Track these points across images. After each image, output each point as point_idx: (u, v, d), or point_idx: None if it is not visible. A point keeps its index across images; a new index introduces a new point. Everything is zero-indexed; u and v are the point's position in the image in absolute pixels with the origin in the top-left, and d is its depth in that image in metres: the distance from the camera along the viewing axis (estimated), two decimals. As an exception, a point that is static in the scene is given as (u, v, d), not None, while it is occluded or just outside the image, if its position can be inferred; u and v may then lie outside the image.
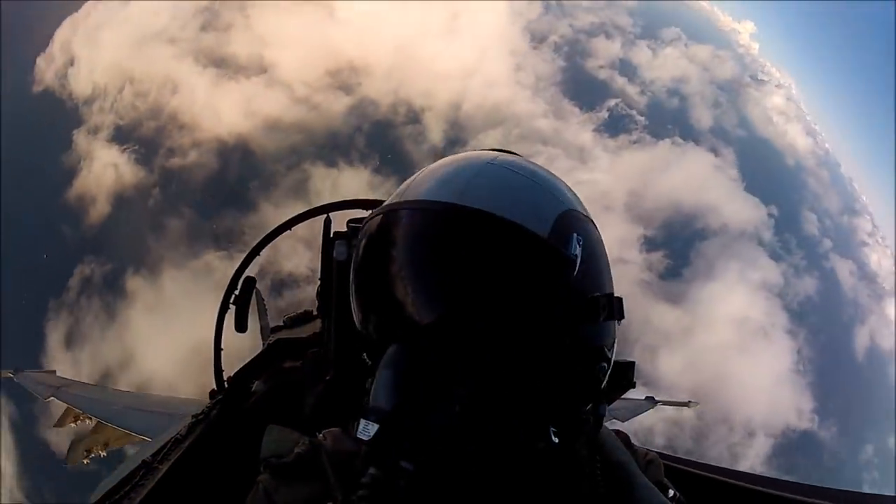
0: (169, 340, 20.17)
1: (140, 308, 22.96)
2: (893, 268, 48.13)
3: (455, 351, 0.82)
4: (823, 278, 39.41)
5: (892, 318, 42.23)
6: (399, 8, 34.67)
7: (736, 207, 36.14)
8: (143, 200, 25.96)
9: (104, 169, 26.21)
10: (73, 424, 4.88)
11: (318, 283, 1.79)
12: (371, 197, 2.47)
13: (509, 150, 0.99)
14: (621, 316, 0.92)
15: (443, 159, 0.96)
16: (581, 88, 37.87)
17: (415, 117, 31.83)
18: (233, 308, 2.52)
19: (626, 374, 0.96)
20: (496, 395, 0.82)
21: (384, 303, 0.88)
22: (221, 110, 28.43)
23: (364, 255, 0.94)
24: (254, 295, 2.53)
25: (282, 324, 3.02)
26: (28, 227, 24.68)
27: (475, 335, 0.82)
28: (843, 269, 41.82)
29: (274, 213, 25.28)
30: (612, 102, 37.55)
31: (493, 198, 0.84)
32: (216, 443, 2.23)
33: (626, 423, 4.57)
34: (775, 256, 36.92)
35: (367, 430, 0.79)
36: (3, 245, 22.41)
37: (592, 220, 0.94)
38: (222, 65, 29.73)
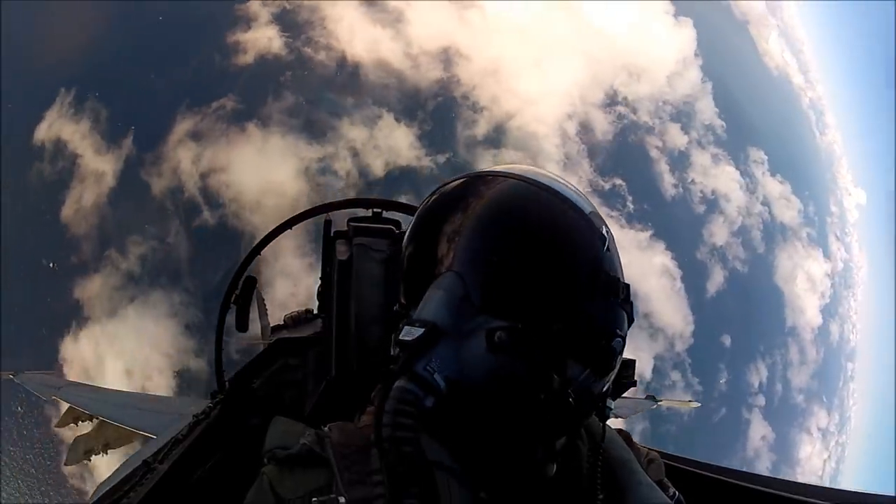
0: (255, 172, 28.05)
1: (249, 144, 29.66)
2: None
3: (507, 291, 0.87)
4: (726, 421, 38.48)
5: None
6: (514, 29, 40.35)
7: (668, 311, 37.17)
8: (278, 74, 32.26)
9: (261, 36, 32.26)
10: (73, 424, 4.98)
11: (319, 281, 1.84)
12: (371, 196, 2.35)
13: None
14: (631, 318, 0.97)
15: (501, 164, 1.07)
16: (614, 153, 39.47)
17: (475, 110, 36.76)
18: (234, 308, 2.49)
19: (627, 372, 0.98)
20: (535, 341, 0.85)
21: (462, 238, 0.91)
22: (355, 35, 35.07)
23: (445, 198, 0.99)
24: (254, 294, 2.49)
25: (282, 323, 3.01)
26: (190, 44, 31.35)
27: (532, 279, 0.87)
28: (758, 431, 39.75)
29: (349, 129, 31.58)
30: (619, 181, 38.69)
31: (555, 184, 0.97)
32: (217, 443, 2.21)
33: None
34: (669, 364, 36.74)
35: (410, 332, 0.81)
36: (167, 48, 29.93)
37: (607, 226, 1.03)
38: (372, 4, 36.24)
